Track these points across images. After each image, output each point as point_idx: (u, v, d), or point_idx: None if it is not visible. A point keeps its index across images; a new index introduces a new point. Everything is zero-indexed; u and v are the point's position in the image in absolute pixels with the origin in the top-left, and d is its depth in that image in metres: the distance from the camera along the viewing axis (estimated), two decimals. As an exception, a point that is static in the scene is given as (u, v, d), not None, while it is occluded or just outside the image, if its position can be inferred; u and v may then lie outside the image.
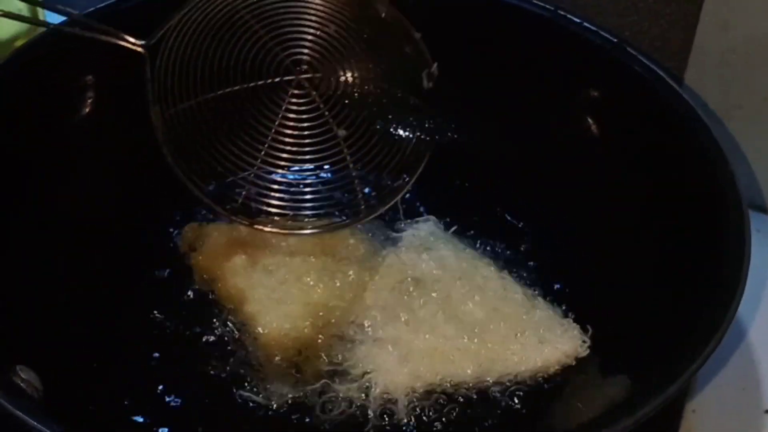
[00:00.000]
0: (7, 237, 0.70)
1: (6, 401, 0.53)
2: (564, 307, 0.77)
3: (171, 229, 0.82)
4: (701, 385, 0.75)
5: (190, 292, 0.77)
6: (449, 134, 0.89)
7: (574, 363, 0.74)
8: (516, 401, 0.71)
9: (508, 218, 0.85)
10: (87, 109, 0.81)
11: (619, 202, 0.79)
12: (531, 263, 0.81)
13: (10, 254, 0.69)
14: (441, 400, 0.71)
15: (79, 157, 0.80)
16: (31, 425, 0.52)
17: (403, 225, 0.83)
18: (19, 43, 0.96)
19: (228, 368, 0.72)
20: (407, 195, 0.83)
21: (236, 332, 0.75)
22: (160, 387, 0.71)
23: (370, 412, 0.69)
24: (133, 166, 0.82)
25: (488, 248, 0.82)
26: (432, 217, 0.84)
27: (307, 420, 0.69)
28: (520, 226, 0.85)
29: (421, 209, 0.85)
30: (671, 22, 0.93)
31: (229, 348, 0.73)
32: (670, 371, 0.59)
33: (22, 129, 0.75)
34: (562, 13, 0.84)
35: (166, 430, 0.68)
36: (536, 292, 0.78)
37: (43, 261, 0.72)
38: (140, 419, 0.68)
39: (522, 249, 0.82)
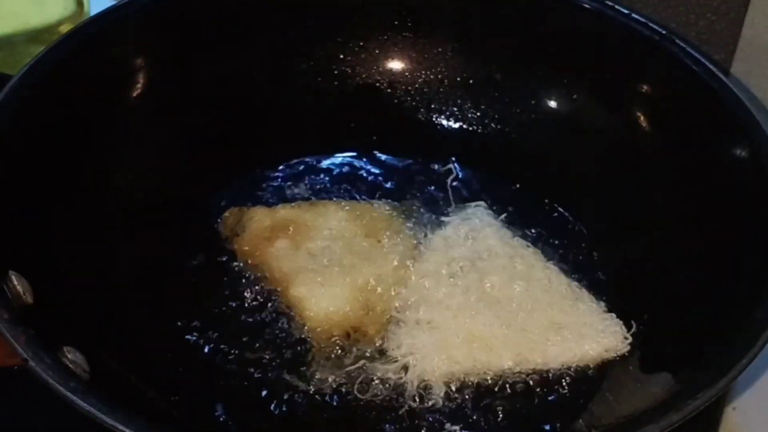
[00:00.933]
0: (59, 216, 0.70)
1: (56, 381, 0.53)
2: (608, 302, 0.76)
3: (215, 213, 0.82)
4: (742, 382, 0.74)
5: (232, 277, 0.77)
6: (496, 125, 0.89)
7: (615, 359, 0.73)
8: (553, 394, 0.71)
9: (559, 210, 0.85)
10: (138, 92, 0.81)
11: (669, 196, 0.78)
12: (579, 256, 0.81)
13: (60, 233, 0.70)
14: (477, 387, 0.71)
15: (129, 139, 0.80)
16: (80, 406, 0.53)
17: (452, 210, 0.83)
18: (64, 28, 0.97)
19: (272, 351, 0.72)
20: (457, 182, 0.84)
21: (281, 315, 0.75)
22: (205, 370, 0.71)
23: (406, 395, 0.69)
24: (179, 150, 0.83)
25: (536, 238, 0.82)
26: (482, 204, 0.84)
27: (344, 399, 0.69)
28: (570, 218, 0.84)
29: (470, 197, 0.85)
30: (719, 14, 0.92)
31: (273, 331, 0.74)
32: (715, 370, 0.58)
33: (74, 111, 0.75)
34: (610, 3, 0.83)
35: (213, 410, 0.68)
36: (581, 285, 0.78)
37: (90, 241, 0.73)
38: (185, 401, 0.68)
39: (570, 241, 0.82)
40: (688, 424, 0.58)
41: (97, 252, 0.73)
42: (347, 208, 0.82)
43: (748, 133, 0.72)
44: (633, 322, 0.74)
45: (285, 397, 0.69)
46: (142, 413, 0.54)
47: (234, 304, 0.75)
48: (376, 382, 0.70)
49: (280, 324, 0.74)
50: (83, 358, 0.60)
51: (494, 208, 0.84)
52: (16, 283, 0.60)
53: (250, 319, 0.74)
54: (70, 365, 0.57)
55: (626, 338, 0.74)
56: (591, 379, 0.72)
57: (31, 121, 0.71)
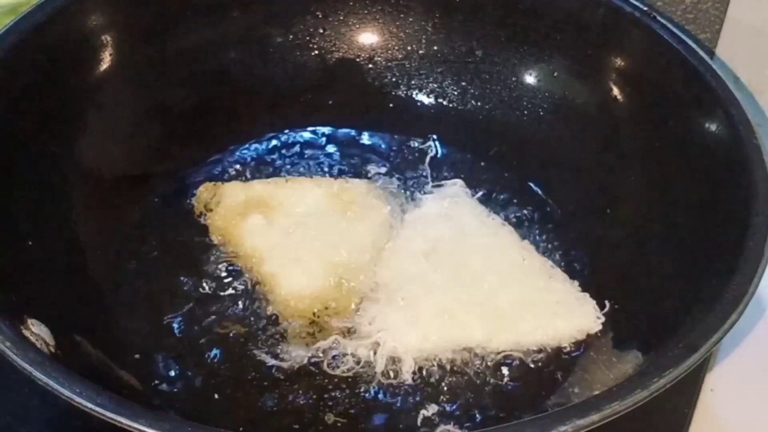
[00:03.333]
0: (25, 188, 0.70)
1: (17, 355, 0.53)
2: (582, 282, 0.76)
3: (189, 189, 0.81)
4: (719, 363, 0.74)
5: (205, 253, 0.77)
6: (477, 102, 0.89)
7: (587, 338, 0.73)
8: (524, 372, 0.71)
9: (536, 189, 0.84)
10: (108, 65, 0.80)
11: (645, 175, 0.78)
12: (553, 235, 0.80)
13: (26, 205, 0.69)
14: (447, 364, 0.70)
15: (100, 112, 0.79)
16: (41, 380, 0.52)
17: (429, 188, 0.83)
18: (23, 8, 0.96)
19: (243, 326, 0.72)
20: (435, 159, 0.84)
21: (253, 291, 0.74)
22: (175, 344, 0.70)
23: (377, 371, 0.69)
24: (152, 124, 0.82)
25: (511, 216, 0.81)
26: (459, 181, 0.83)
27: (315, 375, 0.69)
28: (546, 198, 0.83)
29: (449, 174, 0.84)
30: (706, -8, 0.91)
31: (245, 306, 0.73)
32: (684, 349, 0.57)
33: (44, 82, 0.74)
34: (592, -23, 0.82)
35: (179, 386, 0.68)
36: (555, 265, 0.77)
37: (59, 215, 0.72)
38: (154, 377, 0.68)
39: (546, 220, 0.81)
40: (665, 405, 0.57)
41: (64, 226, 0.72)
42: (323, 185, 0.81)
43: (726, 111, 0.71)
44: (606, 301, 0.74)
45: (255, 373, 0.69)
46: (105, 386, 0.53)
47: (206, 280, 0.75)
48: (347, 357, 0.70)
49: (252, 300, 0.74)
50: (48, 332, 0.60)
51: (472, 186, 0.83)
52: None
53: (222, 294, 0.74)
54: (32, 338, 0.56)
55: (599, 318, 0.73)
56: (563, 358, 0.72)
57: (-1, 92, 0.70)
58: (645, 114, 0.79)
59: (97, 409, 0.50)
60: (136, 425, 0.49)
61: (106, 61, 0.80)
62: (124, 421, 0.49)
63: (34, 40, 0.73)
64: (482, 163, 0.86)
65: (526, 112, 0.87)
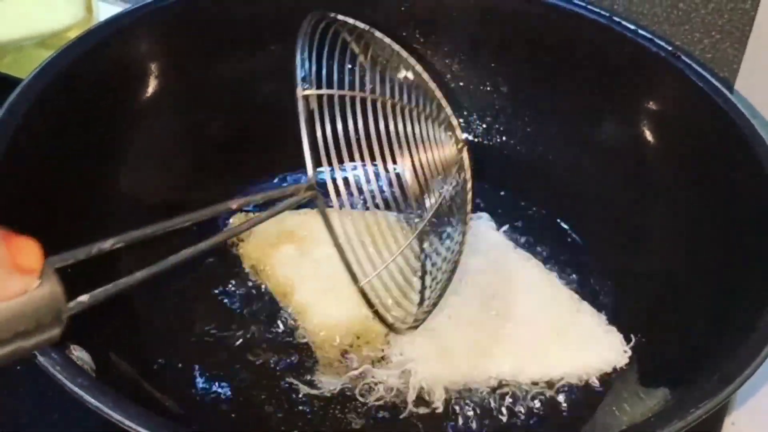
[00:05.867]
0: (65, 216, 0.70)
1: (64, 377, 0.54)
2: (608, 315, 0.77)
3: (222, 219, 0.82)
4: (742, 398, 0.74)
5: (237, 282, 0.78)
6: (502, 137, 0.90)
7: (613, 372, 0.74)
8: (552, 404, 0.71)
9: (561, 224, 0.85)
10: (145, 96, 0.82)
11: (672, 211, 0.79)
12: (579, 269, 0.81)
13: (65, 234, 0.69)
14: (476, 394, 0.71)
15: (136, 143, 0.80)
16: (88, 402, 0.53)
17: (455, 220, 0.83)
18: (72, 33, 0.97)
19: (276, 355, 0.73)
20: None
21: (285, 321, 0.75)
22: (208, 369, 0.71)
23: (408, 400, 0.70)
24: (186, 155, 0.84)
25: (538, 250, 0.82)
26: (484, 214, 0.84)
27: (347, 403, 0.70)
28: (571, 232, 0.85)
29: (474, 208, 0.84)
30: (724, 33, 0.93)
31: (277, 336, 0.74)
32: (711, 386, 0.58)
33: (83, 114, 0.75)
34: (617, 19, 0.84)
35: (212, 411, 0.69)
36: (582, 298, 0.78)
37: (90, 236, 0.72)
38: (189, 400, 0.69)
39: (572, 254, 0.82)
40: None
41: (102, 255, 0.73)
42: (352, 216, 0.82)
43: (753, 149, 0.73)
44: (632, 335, 0.75)
45: (289, 400, 0.70)
46: (149, 409, 0.54)
47: (238, 309, 0.76)
48: (379, 386, 0.70)
49: (284, 329, 0.75)
50: (89, 356, 0.61)
51: (497, 220, 0.84)
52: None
53: (254, 325, 0.75)
54: (78, 361, 0.57)
55: (626, 351, 0.74)
56: (590, 391, 0.72)
57: (40, 123, 0.71)
58: (671, 151, 0.80)
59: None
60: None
61: (147, 90, 0.81)
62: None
63: (78, 68, 0.75)
64: (507, 198, 0.87)
65: (551, 147, 0.88)
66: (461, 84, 0.91)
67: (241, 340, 0.74)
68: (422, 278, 0.67)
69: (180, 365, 0.71)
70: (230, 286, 0.78)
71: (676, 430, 0.55)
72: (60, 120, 0.73)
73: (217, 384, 0.71)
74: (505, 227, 0.84)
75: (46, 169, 0.71)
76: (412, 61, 0.73)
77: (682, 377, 0.66)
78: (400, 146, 0.70)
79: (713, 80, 0.78)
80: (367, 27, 0.72)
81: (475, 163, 0.88)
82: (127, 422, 0.52)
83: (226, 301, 0.76)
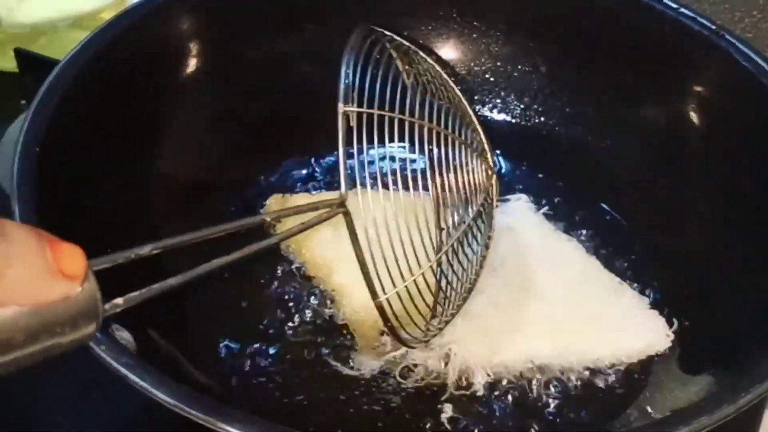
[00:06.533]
0: (106, 197, 0.71)
1: (109, 356, 0.54)
2: (650, 298, 0.76)
3: (261, 199, 0.82)
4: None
5: (275, 264, 0.78)
6: (540, 118, 0.89)
7: (655, 355, 0.73)
8: (591, 388, 0.71)
9: (602, 204, 0.84)
10: (185, 76, 0.81)
11: (717, 194, 0.78)
12: (621, 251, 0.80)
13: (106, 214, 0.70)
14: (517, 377, 0.71)
15: (175, 123, 0.80)
16: (132, 380, 0.53)
17: (494, 203, 0.83)
18: (106, 14, 0.97)
19: (315, 336, 0.73)
20: (500, 174, 0.85)
21: (324, 302, 0.75)
22: (248, 350, 0.71)
23: (449, 382, 0.70)
24: (225, 135, 0.84)
25: (578, 232, 0.81)
26: (523, 196, 0.84)
27: (387, 385, 0.69)
28: (613, 213, 0.84)
29: (513, 189, 0.85)
30: (765, 12, 0.92)
31: (316, 316, 0.74)
32: (756, 373, 0.57)
33: (122, 93, 0.75)
34: (657, -2, 0.82)
35: (252, 390, 0.69)
36: (623, 281, 0.77)
37: (134, 223, 0.73)
38: (228, 379, 0.69)
39: (612, 236, 0.81)
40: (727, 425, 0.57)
41: (140, 232, 0.73)
42: (391, 198, 0.82)
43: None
44: (675, 319, 0.74)
45: (328, 380, 0.70)
46: (193, 389, 0.54)
47: (277, 290, 0.76)
48: (419, 368, 0.70)
49: (322, 310, 0.75)
50: (130, 336, 0.61)
51: (536, 201, 0.84)
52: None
53: (293, 306, 0.75)
54: (121, 340, 0.57)
55: (668, 335, 0.73)
56: (631, 375, 0.72)
57: (78, 104, 0.71)
58: (716, 132, 0.79)
59: (193, 412, 0.51)
60: (229, 428, 0.50)
61: (184, 70, 0.81)
62: (218, 423, 0.50)
63: (116, 48, 0.75)
64: (546, 179, 0.86)
65: (589, 127, 0.87)
66: (498, 64, 0.90)
67: (279, 321, 0.73)
68: (438, 296, 0.67)
69: (219, 345, 0.71)
70: (269, 267, 0.77)
71: (725, 415, 0.54)
72: (98, 101, 0.73)
73: (255, 364, 0.71)
74: (545, 209, 0.83)
75: (85, 149, 0.70)
76: (452, 84, 0.74)
77: (727, 363, 0.65)
78: (432, 167, 0.70)
79: (759, 60, 0.76)
80: (412, 46, 0.73)
81: (512, 144, 0.88)
82: (171, 401, 0.52)
83: (264, 282, 0.76)
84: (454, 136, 0.72)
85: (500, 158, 0.87)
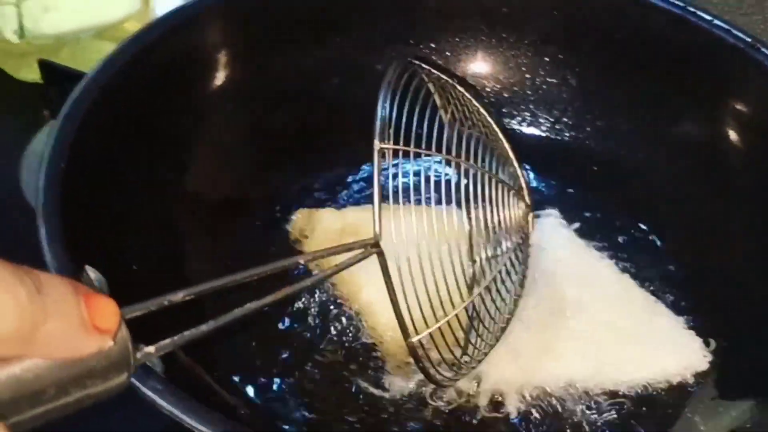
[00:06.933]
0: (133, 213, 0.69)
1: (137, 380, 0.52)
2: (686, 318, 0.74)
3: (287, 214, 0.81)
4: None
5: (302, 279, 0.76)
6: (570, 132, 0.88)
7: (692, 378, 0.71)
8: (625, 411, 0.69)
9: (635, 222, 0.83)
10: (212, 89, 0.80)
11: (755, 213, 0.76)
12: (655, 270, 0.78)
13: (133, 230, 0.69)
14: (550, 399, 0.69)
15: (202, 137, 0.79)
16: (160, 405, 0.52)
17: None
18: (129, 25, 0.96)
19: (343, 355, 0.71)
20: (529, 188, 0.81)
21: (351, 320, 0.74)
22: (276, 369, 0.70)
23: (480, 404, 0.68)
24: (252, 149, 0.82)
25: (610, 250, 0.80)
26: (554, 211, 0.82)
27: (417, 408, 0.68)
28: (646, 230, 0.82)
29: (544, 205, 0.83)
30: (797, 21, 0.90)
31: (343, 335, 0.73)
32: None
33: (149, 107, 0.74)
34: (691, 9, 0.81)
35: (281, 411, 0.68)
36: (658, 300, 0.76)
37: (162, 238, 0.72)
38: (256, 400, 0.68)
39: (646, 255, 0.80)
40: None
41: (168, 249, 0.72)
42: (419, 213, 0.80)
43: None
44: (712, 339, 0.72)
45: (357, 402, 0.68)
46: (221, 413, 0.53)
47: (303, 307, 0.74)
48: (450, 390, 0.69)
49: (350, 328, 0.73)
50: (158, 358, 0.59)
51: (567, 217, 0.82)
52: (92, 278, 0.58)
53: (320, 324, 0.73)
54: (150, 364, 0.56)
55: (705, 356, 0.72)
56: (668, 398, 0.70)
57: (105, 117, 0.70)
58: (754, 149, 0.77)
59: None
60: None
61: (212, 84, 0.80)
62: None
63: (143, 61, 0.74)
64: (577, 194, 0.85)
65: (623, 143, 0.86)
66: (527, 76, 0.89)
67: (306, 340, 0.72)
68: (470, 335, 0.66)
69: (246, 364, 0.70)
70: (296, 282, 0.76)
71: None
72: (124, 116, 0.72)
73: (283, 385, 0.69)
74: (576, 225, 0.81)
75: (111, 165, 0.69)
76: (489, 119, 0.73)
77: (763, 389, 0.63)
78: (467, 204, 0.69)
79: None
80: (450, 80, 0.72)
81: (541, 158, 0.87)
82: (200, 427, 0.50)
83: (290, 299, 0.75)
84: (491, 173, 0.70)
85: (529, 173, 0.86)
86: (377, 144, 0.60)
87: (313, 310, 0.74)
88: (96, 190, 0.67)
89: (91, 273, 0.59)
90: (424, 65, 0.70)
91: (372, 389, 0.69)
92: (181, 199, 0.76)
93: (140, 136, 0.72)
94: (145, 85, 0.74)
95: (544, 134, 0.89)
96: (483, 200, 0.70)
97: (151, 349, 0.44)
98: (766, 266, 0.73)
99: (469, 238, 0.69)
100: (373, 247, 0.57)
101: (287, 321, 0.73)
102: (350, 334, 0.73)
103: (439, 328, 0.63)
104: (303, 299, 0.75)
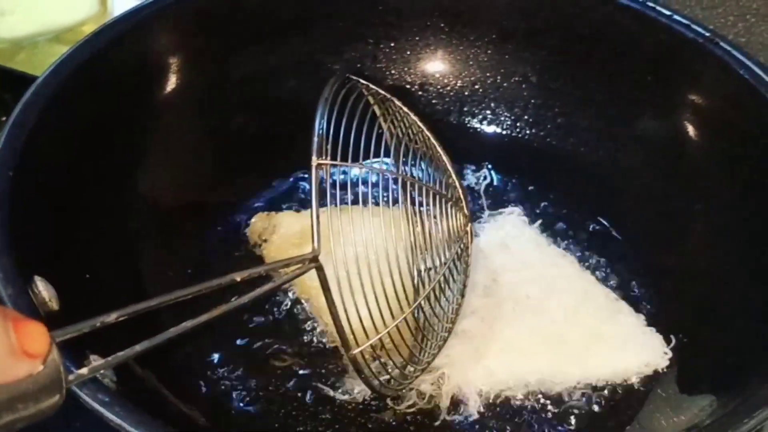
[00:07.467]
0: (85, 220, 0.68)
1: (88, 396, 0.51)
2: (647, 315, 0.74)
3: (245, 218, 0.80)
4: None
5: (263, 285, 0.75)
6: (531, 129, 0.87)
7: (653, 373, 0.71)
8: (588, 409, 0.69)
9: (597, 218, 0.82)
10: (165, 93, 0.79)
11: (716, 207, 0.76)
12: (616, 266, 0.78)
13: (85, 238, 0.68)
14: (512, 399, 0.69)
15: (156, 140, 0.78)
16: (109, 419, 0.51)
17: (485, 217, 0.82)
18: (87, 28, 0.95)
19: (304, 360, 0.70)
20: (491, 188, 0.84)
21: (311, 324, 0.73)
22: (235, 376, 0.69)
23: (442, 406, 0.68)
24: (207, 153, 0.82)
25: (573, 247, 0.80)
26: (517, 209, 0.82)
27: (379, 411, 0.67)
28: (608, 227, 0.82)
29: (506, 203, 0.83)
30: (758, 16, 0.90)
31: (303, 339, 0.72)
32: (759, 396, 0.55)
33: (101, 111, 0.72)
34: (651, 5, 0.80)
35: (241, 420, 0.67)
36: (619, 297, 0.75)
37: (116, 245, 0.71)
38: (216, 410, 0.67)
39: (608, 251, 0.80)
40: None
41: (122, 257, 0.71)
42: (379, 214, 0.80)
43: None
44: (673, 336, 0.72)
45: (317, 407, 0.68)
46: (172, 423, 0.52)
47: (263, 312, 0.73)
48: (411, 393, 0.68)
49: (310, 332, 0.72)
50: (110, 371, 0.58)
51: (529, 215, 0.82)
52: (41, 288, 0.58)
53: (279, 328, 0.73)
54: (98, 375, 0.55)
55: (666, 353, 0.72)
56: (629, 395, 0.70)
57: (57, 122, 0.69)
58: (713, 143, 0.77)
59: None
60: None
61: (166, 87, 0.79)
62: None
63: (95, 64, 0.72)
64: (539, 191, 0.84)
65: (583, 140, 0.85)
66: (488, 75, 0.88)
67: (265, 345, 0.71)
68: (412, 346, 0.66)
69: (203, 372, 0.69)
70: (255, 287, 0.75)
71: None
72: (77, 119, 0.71)
73: (242, 392, 0.68)
74: (538, 222, 0.81)
75: (63, 171, 0.68)
76: (427, 132, 0.73)
77: (727, 383, 0.63)
78: (407, 216, 0.69)
79: (753, 66, 0.74)
80: (387, 94, 0.72)
81: (503, 157, 0.86)
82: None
83: (250, 305, 0.73)
84: (429, 186, 0.70)
85: (491, 171, 0.86)
86: (314, 160, 0.60)
87: (272, 314, 0.73)
88: (46, 199, 0.65)
89: (40, 283, 0.58)
90: (361, 80, 0.70)
91: (334, 394, 0.68)
92: (136, 206, 0.75)
93: (93, 142, 0.71)
94: (97, 89, 0.73)
95: (505, 132, 0.88)
96: (421, 212, 0.69)
97: (84, 371, 0.44)
98: (725, 261, 0.73)
99: (410, 249, 0.69)
100: (312, 261, 0.57)
101: (247, 326, 0.72)
102: (310, 338, 0.72)
103: (381, 339, 0.63)
104: (263, 303, 0.74)
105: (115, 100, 0.74)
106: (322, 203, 0.60)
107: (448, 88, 0.89)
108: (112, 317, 0.46)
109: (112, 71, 0.74)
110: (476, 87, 0.88)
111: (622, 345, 0.72)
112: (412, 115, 0.73)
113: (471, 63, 0.88)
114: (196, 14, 0.80)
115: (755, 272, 0.69)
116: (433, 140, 0.73)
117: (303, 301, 0.74)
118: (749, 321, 0.67)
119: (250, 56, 0.83)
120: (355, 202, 0.67)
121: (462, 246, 0.71)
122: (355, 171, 0.71)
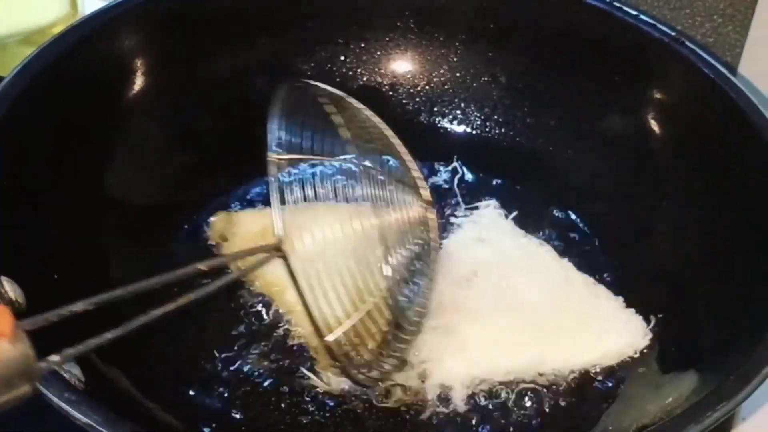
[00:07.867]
0: (51, 220, 0.67)
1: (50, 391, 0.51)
2: (625, 298, 0.75)
3: (206, 216, 0.80)
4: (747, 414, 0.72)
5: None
6: (501, 129, 0.88)
7: (634, 355, 0.71)
8: (573, 394, 0.69)
9: (567, 212, 0.83)
10: (132, 93, 0.78)
11: (683, 201, 0.77)
12: (593, 253, 0.79)
13: (52, 238, 0.67)
14: (499, 390, 0.69)
15: (123, 141, 0.77)
16: (76, 418, 0.50)
17: (463, 210, 0.82)
18: (57, 29, 0.95)
19: (274, 360, 0.70)
20: (465, 183, 0.84)
21: (278, 323, 0.72)
22: (204, 378, 0.69)
23: (428, 400, 0.68)
24: (175, 153, 0.81)
25: (549, 238, 0.80)
26: (493, 201, 0.82)
27: (365, 408, 0.67)
28: (578, 221, 0.82)
29: (480, 197, 0.83)
30: (725, 17, 0.91)
31: (272, 339, 0.71)
32: (738, 373, 0.56)
33: (67, 112, 0.72)
34: (617, 5, 0.81)
35: (214, 424, 0.66)
36: (597, 282, 0.76)
37: (82, 246, 0.70)
38: (186, 413, 0.66)
39: (583, 240, 0.80)
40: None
41: (90, 257, 0.70)
42: (342, 211, 0.80)
43: (762, 135, 0.70)
44: (651, 316, 0.73)
45: (295, 408, 0.67)
46: (140, 423, 0.52)
47: (229, 311, 0.73)
48: (396, 388, 0.68)
49: (279, 332, 0.72)
50: (78, 368, 0.58)
51: (504, 207, 0.82)
52: (8, 289, 0.57)
53: (246, 328, 0.72)
54: (65, 374, 0.55)
55: (646, 333, 0.72)
56: (613, 378, 0.70)
57: (23, 122, 0.68)
58: (677, 138, 0.78)
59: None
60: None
61: (134, 88, 0.78)
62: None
63: (62, 66, 0.72)
64: (509, 189, 0.84)
65: (552, 138, 0.86)
66: (457, 75, 0.89)
67: (233, 346, 0.70)
68: (387, 334, 0.66)
69: (173, 373, 0.68)
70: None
71: (715, 419, 0.54)
72: (43, 120, 0.70)
73: (213, 393, 0.67)
74: (512, 217, 0.81)
75: (29, 171, 0.67)
76: (383, 126, 0.73)
77: (705, 364, 0.64)
78: (370, 204, 0.70)
79: (718, 66, 0.76)
80: (340, 93, 0.72)
81: (473, 156, 0.87)
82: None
83: (217, 303, 0.72)
84: (387, 173, 0.71)
85: (463, 168, 0.86)
86: (270, 156, 0.62)
87: (237, 314, 0.73)
88: (13, 199, 0.64)
89: (7, 284, 0.57)
90: (311, 82, 0.71)
91: (313, 390, 0.68)
92: (104, 206, 0.74)
93: (61, 142, 0.70)
94: (65, 89, 0.72)
95: (475, 132, 0.89)
96: (382, 200, 0.70)
97: (55, 357, 0.43)
98: (694, 254, 0.74)
99: (374, 238, 0.69)
100: (276, 250, 0.56)
101: (212, 326, 0.72)
102: (279, 337, 0.71)
103: (356, 328, 0.63)
104: (225, 303, 0.73)
105: (83, 100, 0.73)
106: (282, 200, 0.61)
107: (419, 88, 0.89)
108: (79, 306, 0.46)
109: (80, 72, 0.74)
110: (446, 87, 0.89)
111: (602, 330, 0.72)
112: (364, 111, 0.73)
113: (441, 63, 0.89)
114: (165, 15, 0.80)
115: (721, 263, 0.71)
116: (388, 132, 0.73)
117: (268, 297, 0.74)
118: (723, 299, 0.68)
119: (219, 57, 0.82)
120: (316, 196, 0.67)
121: (426, 230, 0.71)
122: (317, 167, 0.71)
